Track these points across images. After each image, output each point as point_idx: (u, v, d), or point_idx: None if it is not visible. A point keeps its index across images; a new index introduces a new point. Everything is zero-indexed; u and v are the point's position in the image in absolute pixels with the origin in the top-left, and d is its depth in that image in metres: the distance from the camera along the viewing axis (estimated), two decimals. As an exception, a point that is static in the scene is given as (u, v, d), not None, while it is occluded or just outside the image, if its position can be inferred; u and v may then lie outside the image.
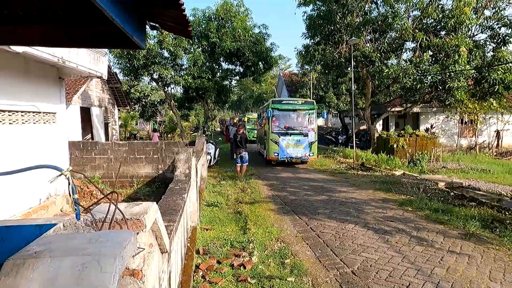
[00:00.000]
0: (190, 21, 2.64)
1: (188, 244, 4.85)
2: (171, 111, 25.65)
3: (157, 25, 2.77)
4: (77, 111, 13.92)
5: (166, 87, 19.84)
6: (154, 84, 20.90)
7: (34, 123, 6.58)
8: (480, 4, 14.54)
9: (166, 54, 17.89)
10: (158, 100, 24.63)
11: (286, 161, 13.74)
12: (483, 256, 4.79)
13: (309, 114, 14.14)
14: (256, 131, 22.56)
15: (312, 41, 17.11)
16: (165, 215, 3.10)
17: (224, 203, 8.04)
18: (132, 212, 1.64)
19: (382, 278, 4.13)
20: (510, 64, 13.74)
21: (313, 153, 13.85)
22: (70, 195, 1.54)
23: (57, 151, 7.29)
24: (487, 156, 17.14)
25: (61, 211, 7.23)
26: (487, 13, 15.03)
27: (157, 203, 2.19)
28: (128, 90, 21.21)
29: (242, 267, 4.52)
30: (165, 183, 10.17)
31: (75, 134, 13.18)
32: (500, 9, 14.62)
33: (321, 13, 15.75)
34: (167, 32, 15.94)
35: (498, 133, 20.04)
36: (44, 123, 6.89)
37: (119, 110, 20.55)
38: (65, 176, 1.65)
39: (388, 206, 7.57)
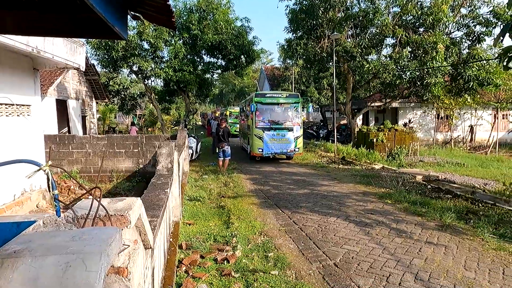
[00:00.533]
0: (173, 12, 2.57)
1: (171, 239, 4.79)
2: (151, 104, 25.20)
3: (139, 15, 2.68)
4: (52, 104, 13.44)
5: (146, 80, 19.44)
6: (133, 76, 20.42)
7: (7, 115, 6.30)
8: (456, 2, 14.94)
9: (146, 45, 17.51)
10: (138, 93, 24.13)
11: (271, 156, 13.46)
12: (458, 246, 4.97)
13: (294, 108, 13.78)
14: (238, 126, 22.07)
15: (294, 35, 17.13)
16: (148, 210, 3.04)
17: (206, 198, 7.99)
18: (116, 208, 1.59)
19: (363, 270, 4.22)
20: (484, 61, 14.23)
21: (298, 148, 13.55)
22: (49, 191, 1.48)
23: (32, 145, 7.01)
24: (461, 150, 17.77)
25: (37, 207, 6.99)
26: (463, 11, 15.49)
27: (138, 197, 2.13)
28: (106, 83, 20.65)
29: (225, 261, 4.51)
30: (146, 178, 10.01)
31: (50, 127, 12.73)
32: (476, 7, 15.07)
33: (304, 7, 15.76)
34: (147, 23, 15.57)
35: (471, 128, 20.79)
36: (17, 115, 6.61)
37: (97, 103, 20.00)
38: (44, 171, 1.58)
39: (369, 199, 7.73)
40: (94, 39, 15.33)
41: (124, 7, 2.47)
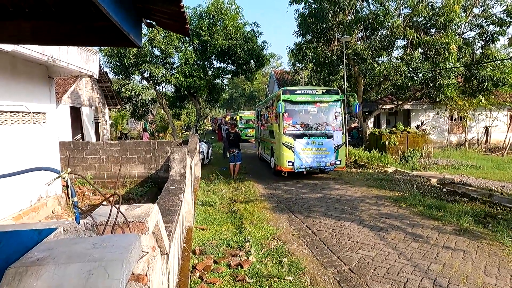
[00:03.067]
0: (187, 19, 2.59)
1: (184, 245, 4.79)
2: (162, 110, 25.45)
3: (153, 22, 2.71)
4: (67, 111, 13.69)
5: (157, 86, 19.66)
6: (145, 83, 20.68)
7: (23, 123, 6.43)
8: (469, 2, 14.70)
9: (157, 52, 17.72)
10: (149, 99, 24.41)
11: (304, 172, 10.39)
12: (477, 251, 4.84)
13: (333, 108, 10.80)
14: (255, 131, 18.50)
15: (304, 39, 17.11)
16: (163, 216, 3.04)
17: (218, 202, 8.00)
18: (134, 215, 1.59)
19: (380, 275, 4.14)
20: (499, 61, 13.95)
21: (340, 160, 10.52)
22: (69, 198, 1.49)
23: (48, 152, 7.14)
24: (476, 152, 17.40)
25: (53, 212, 7.09)
26: (476, 11, 15.23)
27: (155, 204, 2.13)
28: (118, 89, 20.97)
29: (239, 266, 4.49)
30: (158, 183, 10.09)
31: (65, 134, 12.95)
32: (489, 7, 14.81)
33: (313, 11, 15.74)
34: (158, 30, 15.78)
35: (487, 129, 20.36)
36: (34, 123, 6.74)
37: (109, 109, 20.29)
38: (64, 178, 1.60)
39: (383, 203, 7.62)
40: (106, 47, 15.61)
41: (138, 15, 2.50)
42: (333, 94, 10.84)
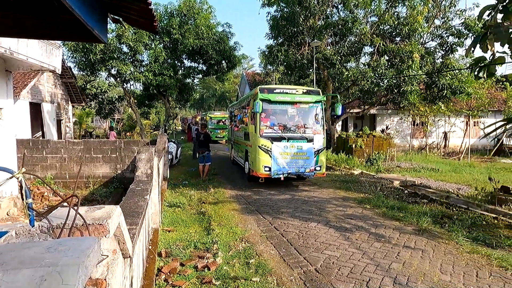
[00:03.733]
0: (156, 16, 2.54)
1: (150, 247, 4.68)
2: (130, 109, 24.73)
3: (119, 18, 2.63)
4: (26, 107, 12.96)
5: (125, 84, 19.05)
6: (112, 80, 19.98)
7: (-24, 119, 6.01)
8: (431, 14, 15.50)
9: (125, 49, 17.18)
10: (117, 96, 23.57)
11: (282, 178, 9.51)
12: (434, 250, 5.10)
13: (314, 109, 10.05)
14: (228, 133, 17.50)
15: (275, 41, 17.29)
16: (127, 218, 2.96)
17: (186, 204, 7.89)
18: (94, 217, 1.53)
19: (344, 275, 4.25)
20: (457, 70, 14.81)
21: (320, 166, 9.78)
22: (22, 199, 1.41)
23: (4, 150, 6.72)
24: (436, 156, 18.35)
25: (8, 214, 6.68)
26: (437, 22, 16.10)
27: (118, 205, 2.07)
28: (83, 86, 20.12)
29: (206, 268, 4.45)
30: (124, 184, 9.78)
31: (24, 131, 12.25)
32: (449, 19, 15.71)
33: (285, 15, 15.95)
34: (127, 26, 15.31)
35: (445, 134, 21.54)
36: (-12, 119, 6.32)
37: (73, 106, 19.45)
38: (17, 178, 1.51)
39: (348, 204, 7.84)
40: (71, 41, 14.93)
41: (104, 10, 2.42)
42: (315, 94, 10.06)
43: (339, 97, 11.29)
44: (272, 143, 9.33)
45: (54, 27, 2.53)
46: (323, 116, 10.19)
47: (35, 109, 14.12)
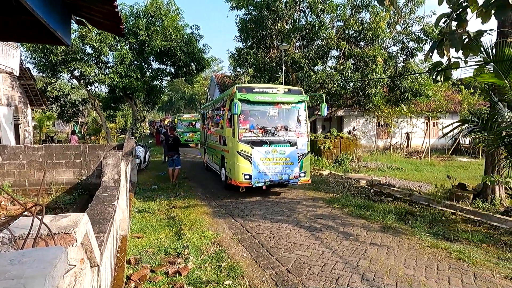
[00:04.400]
0: (122, 18, 2.49)
1: (118, 255, 4.54)
2: (95, 112, 23.83)
3: (83, 20, 2.56)
4: (-21, 111, 12.13)
5: (89, 86, 18.34)
6: (75, 82, 19.17)
7: None
8: (392, 20, 16.23)
9: (89, 50, 16.56)
10: (80, 99, 22.62)
11: (264, 187, 8.72)
12: (399, 246, 5.34)
13: (297, 110, 9.31)
14: (200, 137, 16.12)
15: (244, 44, 17.36)
16: (94, 225, 2.86)
17: (156, 209, 7.73)
18: (59, 226, 1.48)
19: (314, 274, 4.35)
20: (417, 74, 15.60)
21: (305, 172, 9.02)
22: (-19, 210, 1.34)
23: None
24: (399, 156, 19.19)
25: (-40, 226, 6.21)
26: (398, 28, 16.86)
27: (84, 212, 2.00)
28: (44, 88, 19.11)
29: (177, 274, 4.39)
30: (89, 190, 9.41)
31: (-23, 136, 11.46)
32: (409, 25, 16.51)
33: (253, 18, 16.07)
34: (91, 27, 14.78)
35: (408, 135, 22.57)
36: None
37: (32, 110, 18.44)
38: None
39: (318, 205, 8.02)
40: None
41: (67, 11, 2.34)
42: (297, 94, 9.29)
43: (324, 96, 10.34)
44: (253, 148, 8.45)
45: (14, 28, 2.41)
46: (306, 117, 9.40)
47: (-10, 113, 13.25)
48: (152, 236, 5.89)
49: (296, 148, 8.85)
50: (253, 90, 8.86)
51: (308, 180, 9.29)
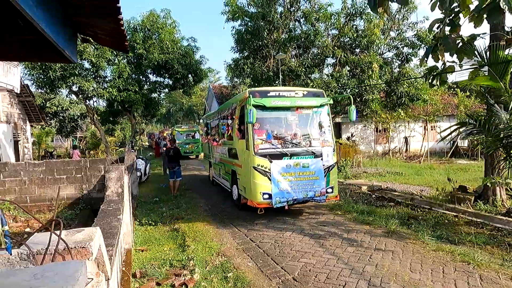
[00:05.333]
0: (126, 36, 2.55)
1: (124, 268, 4.54)
2: (93, 126, 23.88)
3: (89, 38, 2.61)
4: (-21, 128, 12.16)
5: (87, 100, 18.44)
6: (73, 97, 19.27)
7: None
8: (386, 26, 16.47)
9: (87, 65, 16.70)
10: (79, 114, 22.69)
11: (287, 207, 7.47)
12: (403, 250, 5.35)
13: (319, 115, 8.13)
14: (204, 149, 15.19)
15: (241, 55, 17.54)
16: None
17: (159, 221, 7.72)
18: (75, 240, 1.51)
19: (321, 281, 4.35)
20: (413, 79, 15.77)
21: (332, 187, 7.73)
22: (-2, 227, 1.38)
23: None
24: (398, 160, 19.24)
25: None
26: (393, 34, 17.11)
27: (97, 227, 2.03)
28: (42, 104, 19.21)
29: (184, 286, 4.38)
30: (91, 205, 9.39)
31: (-23, 154, 11.46)
32: (402, 31, 16.76)
33: (249, 29, 16.28)
34: (94, 45, 14.94)
35: (406, 139, 22.67)
36: None
37: (31, 126, 18.48)
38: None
39: (320, 212, 8.02)
40: (28, 58, 14.27)
41: (73, 30, 2.40)
42: (319, 96, 8.09)
43: (352, 98, 9.02)
44: (271, 162, 7.25)
45: (19, 47, 2.46)
46: (330, 123, 8.22)
47: (-10, 131, 13.28)
48: (156, 249, 5.88)
49: (321, 159, 7.63)
50: (268, 94, 7.65)
51: (337, 197, 7.96)
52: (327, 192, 7.55)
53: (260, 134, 7.50)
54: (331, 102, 8.34)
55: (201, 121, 40.55)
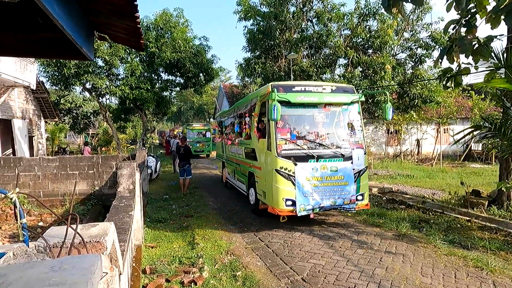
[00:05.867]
0: (142, 34, 2.58)
1: (134, 264, 4.59)
2: (105, 123, 24.20)
3: (106, 36, 2.65)
4: (-5, 124, 12.45)
5: (100, 98, 18.69)
6: (86, 94, 19.56)
7: None
8: (400, 27, 16.26)
9: (100, 63, 16.92)
10: (91, 111, 23.03)
11: (312, 215, 6.86)
12: (414, 254, 5.28)
13: (349, 113, 7.38)
14: (217, 148, 14.15)
15: (252, 54, 17.54)
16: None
17: (169, 218, 7.78)
18: (90, 234, 1.54)
19: (330, 283, 4.33)
20: (426, 81, 15.54)
21: (363, 194, 6.96)
22: (17, 220, 1.41)
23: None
24: (410, 163, 18.99)
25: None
26: (406, 35, 16.88)
27: (111, 222, 2.06)
28: (57, 101, 19.53)
29: (193, 283, 4.41)
30: (102, 200, 9.52)
31: (-7, 149, 11.74)
32: (416, 32, 16.51)
33: (261, 28, 16.26)
34: (110, 43, 15.16)
35: (418, 141, 22.36)
36: (-43, 137, 6.05)
37: (46, 122, 18.81)
38: (11, 199, 1.50)
39: (330, 213, 7.97)
40: (43, 56, 14.53)
41: (90, 28, 2.44)
42: (349, 92, 7.34)
43: (388, 95, 8.26)
44: (296, 164, 6.48)
45: (37, 44, 2.52)
46: (361, 122, 7.48)
47: (5, 126, 13.58)
48: (165, 246, 5.93)
49: (351, 162, 6.88)
50: (293, 89, 6.92)
51: (367, 205, 7.06)
52: (357, 200, 6.78)
53: (284, 134, 6.80)
54: (363, 99, 7.45)
55: (211, 119, 40.73)
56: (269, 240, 6.06)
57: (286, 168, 6.47)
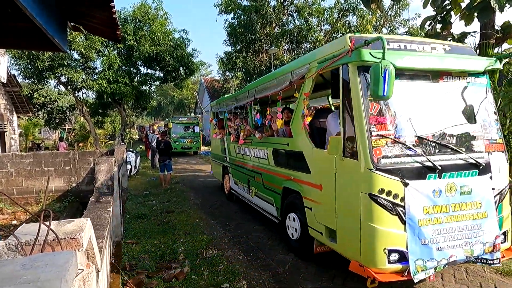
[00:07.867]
0: (119, 25, 2.50)
1: (113, 261, 4.51)
2: (82, 118, 23.54)
3: (80, 26, 2.56)
4: (-36, 119, 11.86)
5: (76, 92, 18.13)
6: (62, 88, 18.93)
7: None
8: (379, 23, 16.57)
9: (76, 55, 16.39)
10: (67, 106, 22.33)
11: (433, 278, 3.64)
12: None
13: (479, 91, 4.12)
14: (219, 148, 9.61)
15: (233, 48, 17.47)
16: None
17: (149, 214, 7.67)
18: (65, 231, 1.49)
19: (311, 274, 4.39)
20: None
21: (505, 232, 3.92)
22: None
23: None
24: None
25: None
26: (385, 30, 17.21)
27: (87, 218, 2.01)
28: (30, 95, 18.81)
29: (174, 279, 4.37)
30: (80, 197, 9.28)
31: (-39, 145, 11.21)
32: (394, 28, 16.88)
33: (242, 22, 16.21)
34: (76, 32, 14.65)
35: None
36: None
37: (18, 117, 18.11)
38: (-21, 195, 1.43)
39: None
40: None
41: (64, 18, 2.35)
42: (472, 54, 4.35)
43: None
44: (406, 184, 3.45)
45: (9, 35, 2.40)
46: (494, 106, 4.28)
47: (-25, 121, 12.99)
48: (146, 242, 5.85)
49: (490, 177, 3.87)
50: (389, 46, 3.60)
51: (510, 249, 4.04)
52: (502, 242, 3.88)
53: (383, 126, 3.58)
54: (500, 66, 4.23)
55: (191, 114, 40.29)
56: (252, 234, 6.09)
57: (390, 192, 3.45)
